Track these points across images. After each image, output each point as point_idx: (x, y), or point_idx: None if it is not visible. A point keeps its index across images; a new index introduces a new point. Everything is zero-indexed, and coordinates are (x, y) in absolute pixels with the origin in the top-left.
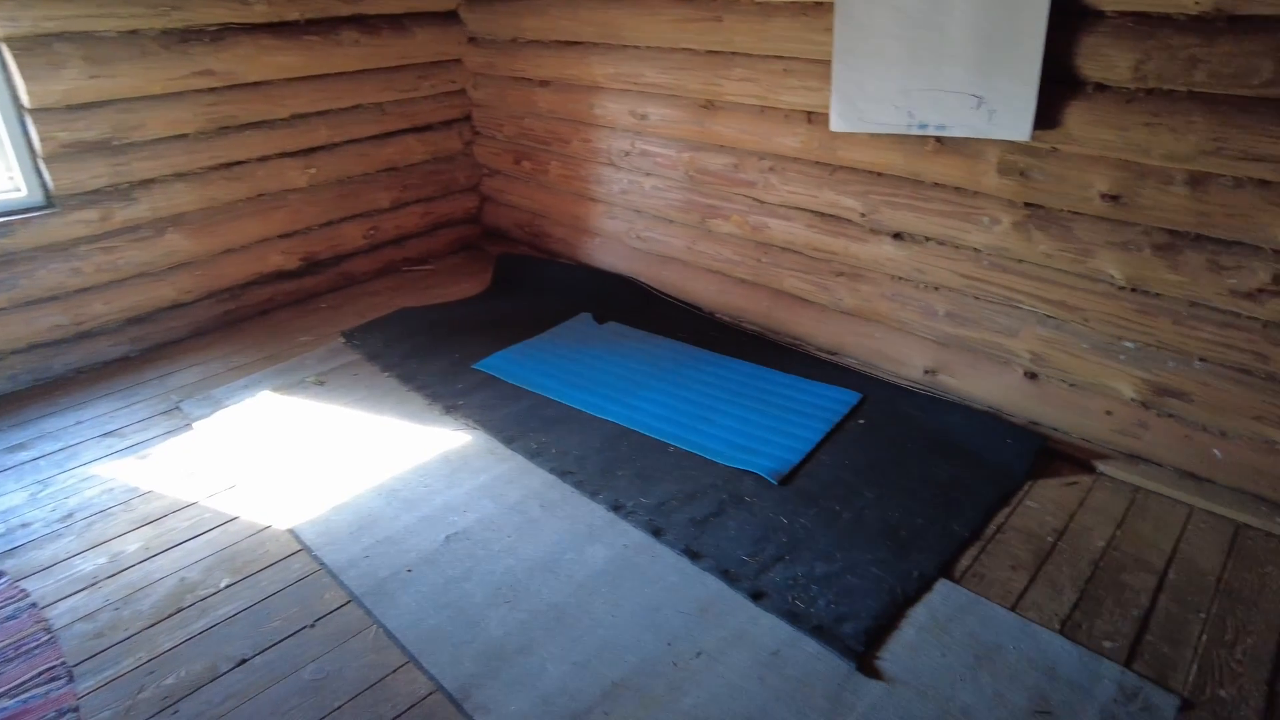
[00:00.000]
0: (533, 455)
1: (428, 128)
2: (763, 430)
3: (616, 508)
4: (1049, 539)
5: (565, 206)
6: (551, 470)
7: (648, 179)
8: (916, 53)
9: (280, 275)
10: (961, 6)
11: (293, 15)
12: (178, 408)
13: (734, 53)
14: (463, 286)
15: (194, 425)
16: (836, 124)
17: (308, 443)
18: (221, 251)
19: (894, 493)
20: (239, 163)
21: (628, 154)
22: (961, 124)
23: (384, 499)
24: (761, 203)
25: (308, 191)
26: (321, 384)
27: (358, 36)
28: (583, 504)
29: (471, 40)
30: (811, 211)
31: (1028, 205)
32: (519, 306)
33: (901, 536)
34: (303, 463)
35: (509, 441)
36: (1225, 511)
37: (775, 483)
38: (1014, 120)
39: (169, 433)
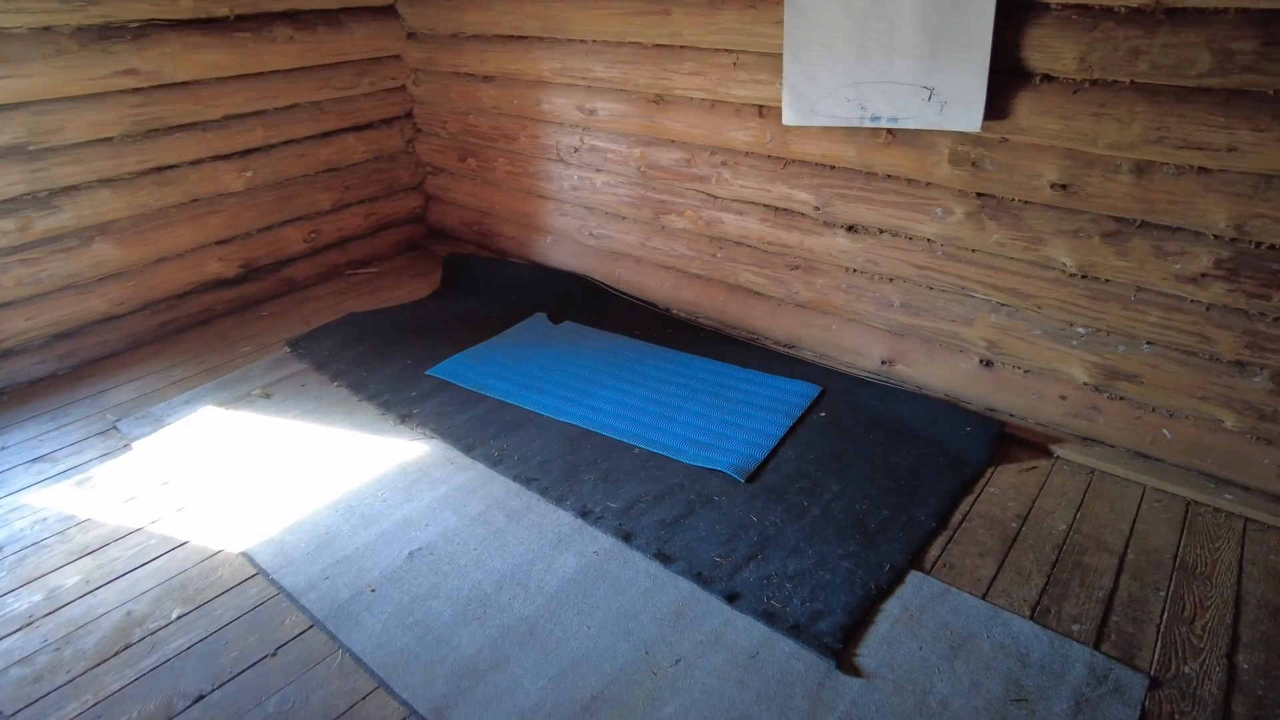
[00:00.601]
0: (494, 463)
1: (368, 126)
2: (725, 427)
3: (584, 513)
4: (1013, 525)
5: (514, 204)
6: (514, 478)
7: (598, 175)
8: (866, 45)
9: (219, 283)
10: None
11: (221, 11)
12: (114, 427)
13: (683, 46)
14: (410, 288)
15: (133, 445)
16: (789, 117)
17: (257, 460)
18: (155, 260)
19: (859, 485)
20: (170, 166)
21: (577, 150)
22: (913, 116)
23: (341, 516)
24: (714, 197)
25: (244, 195)
26: (268, 397)
27: (292, 33)
28: (549, 511)
29: (411, 35)
30: (765, 205)
31: (979, 195)
32: (471, 308)
33: (870, 529)
34: (253, 481)
35: (468, 449)
36: (1176, 490)
37: (742, 480)
38: (964, 111)
39: (106, 455)
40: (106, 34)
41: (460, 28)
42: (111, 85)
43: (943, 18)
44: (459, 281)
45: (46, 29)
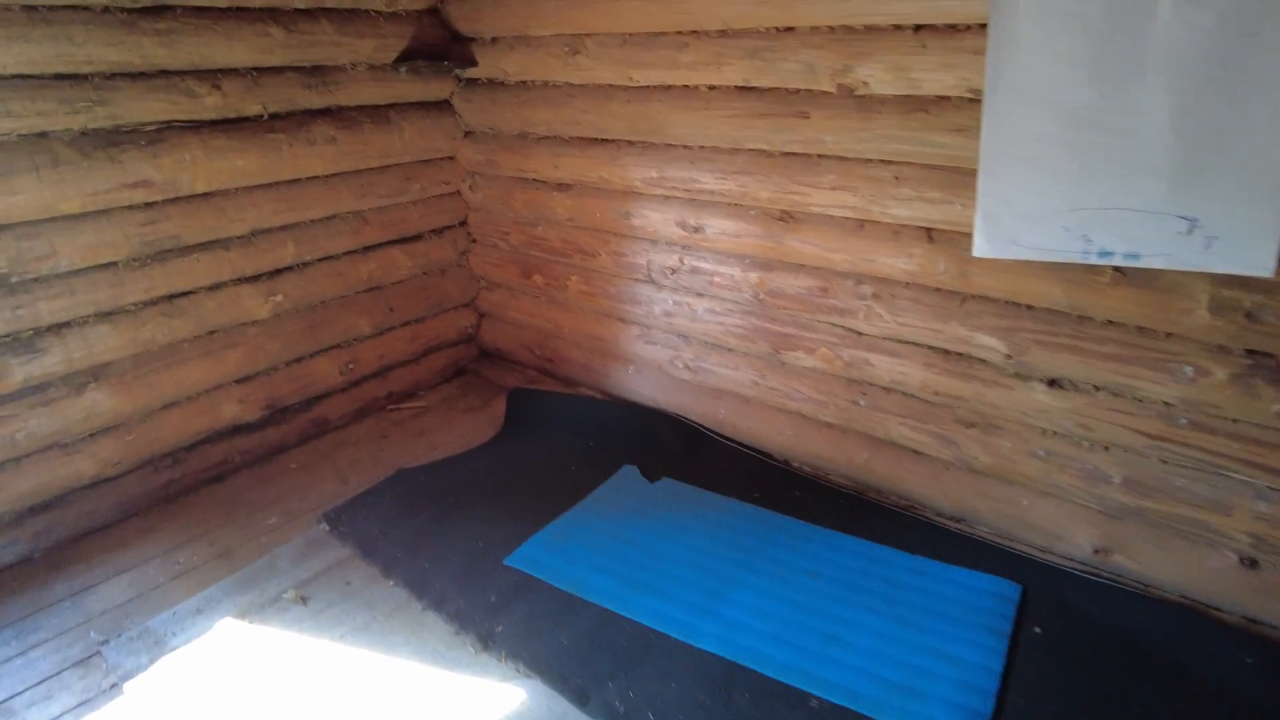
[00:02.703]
0: None
1: (416, 237)
2: (919, 653)
3: None
4: None
5: (587, 327)
6: None
7: (700, 300)
8: (1093, 163)
9: (236, 429)
10: (1158, 102)
11: (252, 109)
12: (99, 652)
13: (822, 155)
14: (465, 429)
15: (124, 687)
16: (981, 248)
17: (292, 709)
18: (160, 407)
19: None
20: (183, 294)
21: (675, 271)
22: (1162, 253)
23: None
24: (858, 334)
25: (270, 323)
26: (303, 601)
27: (332, 133)
28: None
29: (468, 134)
30: (931, 348)
31: (1251, 353)
32: (543, 456)
33: None
34: None
35: (581, 701)
36: None
37: None
38: (1245, 250)
39: (86, 702)
40: (115, 139)
41: (529, 127)
42: (117, 200)
43: (1211, 126)
44: (525, 420)
45: (41, 135)
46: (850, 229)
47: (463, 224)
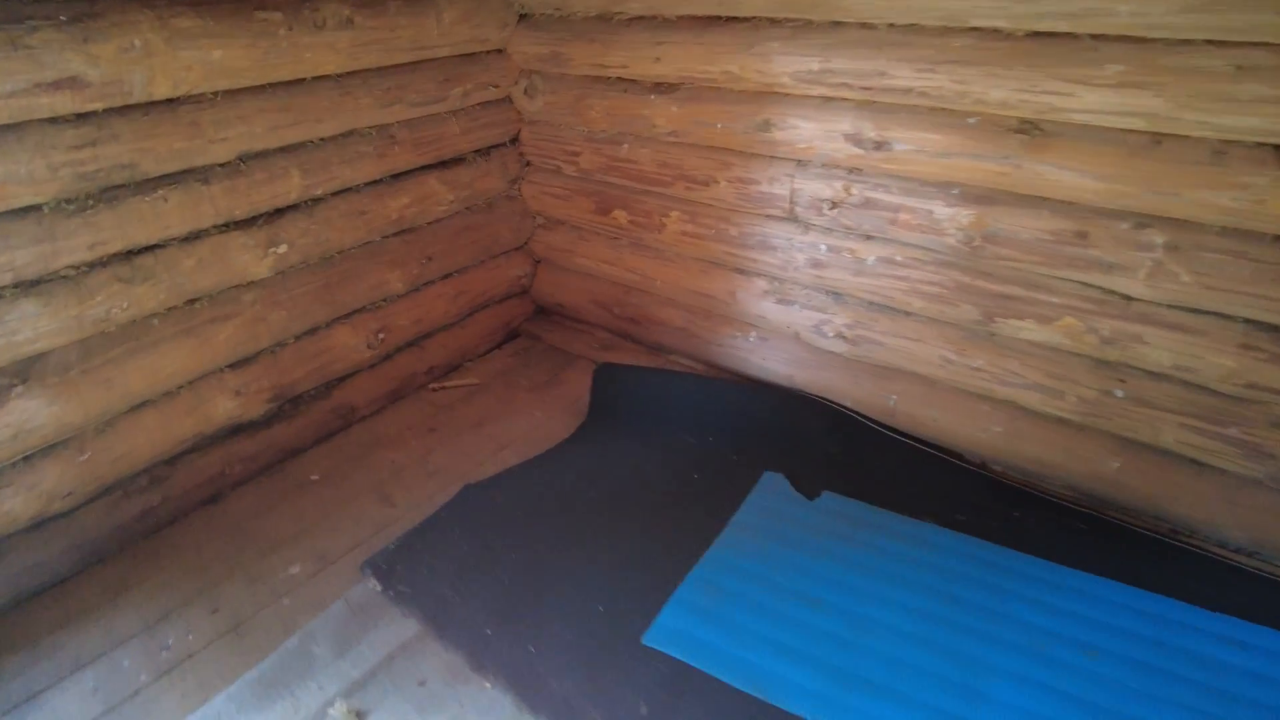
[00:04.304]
0: None
1: (457, 160)
2: None
3: None
4: None
5: (690, 279)
6: None
7: (870, 245)
8: None
9: (234, 430)
10: None
11: None
12: None
13: (1100, 35)
14: (534, 416)
15: None
16: None
17: None
18: (124, 411)
19: None
20: (146, 249)
21: (836, 205)
22: None
23: None
24: (1127, 300)
25: (272, 284)
26: None
27: (347, 12)
28: None
29: (525, 18)
30: (1251, 323)
31: None
32: (654, 462)
33: None
34: None
35: None
36: None
37: None
38: None
39: None
40: (19, 13)
41: (616, 3)
42: (31, 110)
43: None
44: (618, 407)
45: None
46: (1138, 147)
47: (514, 141)
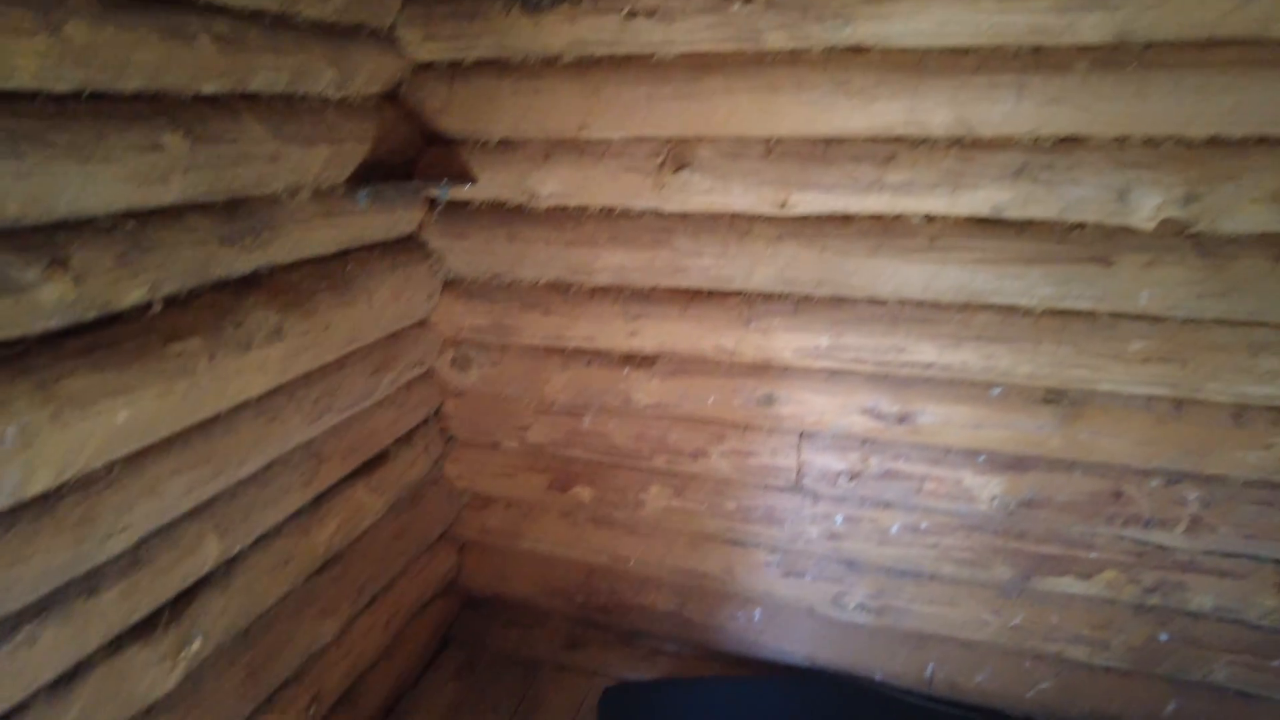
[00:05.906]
0: None
1: (381, 458)
2: None
3: None
4: None
5: (673, 556)
6: None
7: (891, 514)
8: None
9: None
10: None
11: (132, 296)
12: None
13: (1119, 314)
14: None
15: None
16: None
17: None
18: None
19: None
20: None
21: (854, 476)
22: None
23: None
24: (1164, 550)
25: (183, 696)
26: None
27: (275, 318)
28: None
29: (451, 284)
30: None
31: None
32: None
33: None
34: None
35: None
36: None
37: None
38: None
39: None
40: None
41: (577, 273)
42: None
43: None
44: None
45: None
46: (1164, 413)
47: (436, 415)
